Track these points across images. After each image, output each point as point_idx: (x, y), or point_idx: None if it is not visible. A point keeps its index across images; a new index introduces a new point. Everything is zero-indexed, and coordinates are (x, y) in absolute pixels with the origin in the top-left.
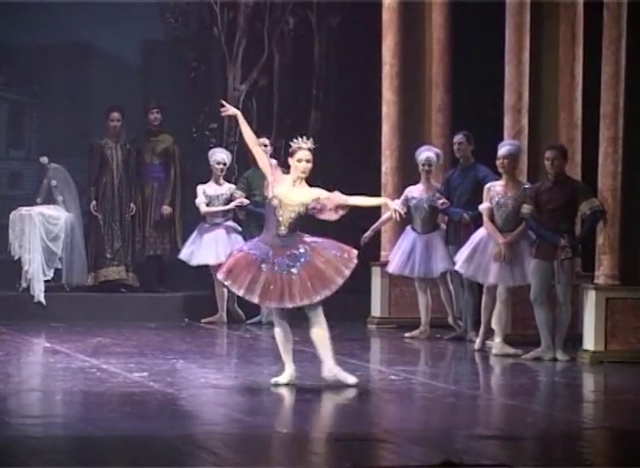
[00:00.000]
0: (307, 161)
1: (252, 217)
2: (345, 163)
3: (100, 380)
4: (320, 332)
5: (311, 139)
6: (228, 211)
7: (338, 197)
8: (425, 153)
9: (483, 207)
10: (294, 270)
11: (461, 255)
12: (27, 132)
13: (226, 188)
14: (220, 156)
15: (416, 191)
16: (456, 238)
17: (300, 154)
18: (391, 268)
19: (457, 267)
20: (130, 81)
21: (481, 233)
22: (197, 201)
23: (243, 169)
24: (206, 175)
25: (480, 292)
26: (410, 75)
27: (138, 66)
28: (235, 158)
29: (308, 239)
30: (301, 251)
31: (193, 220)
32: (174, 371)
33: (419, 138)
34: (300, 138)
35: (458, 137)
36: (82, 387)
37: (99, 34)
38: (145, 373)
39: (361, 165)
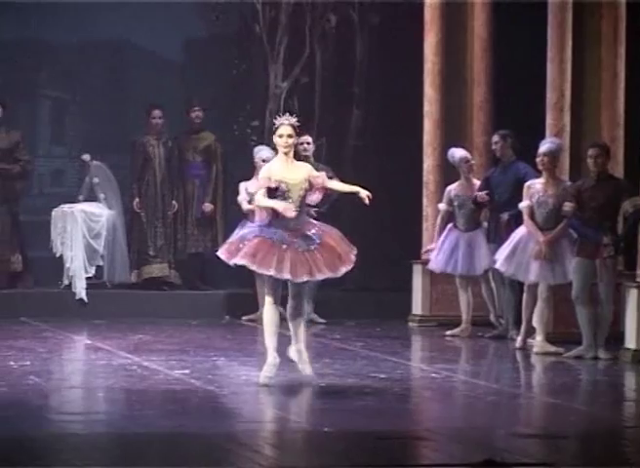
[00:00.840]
0: (289, 136)
1: None
2: (387, 161)
3: (141, 378)
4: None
5: (294, 115)
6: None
7: (323, 177)
8: (459, 153)
9: (523, 205)
10: (312, 247)
11: (502, 254)
12: (69, 129)
13: None
14: (265, 154)
15: (457, 189)
16: (497, 236)
17: (281, 130)
18: (433, 266)
19: (497, 266)
20: (171, 79)
21: (521, 231)
22: (239, 198)
23: None
24: (247, 173)
25: (521, 291)
26: (452, 73)
27: (179, 64)
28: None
29: (314, 221)
30: (313, 231)
31: (235, 218)
32: (215, 369)
33: (460, 136)
34: (282, 115)
35: (494, 137)
36: (123, 384)
37: (140, 32)
38: (187, 371)
39: (402, 163)
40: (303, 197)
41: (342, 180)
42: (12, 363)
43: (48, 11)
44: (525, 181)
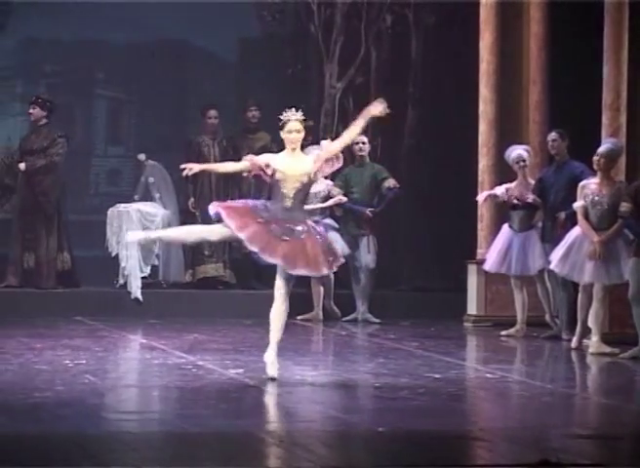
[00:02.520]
0: (297, 131)
1: (349, 215)
2: (442, 161)
3: (195, 377)
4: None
5: (300, 111)
6: (326, 208)
7: (327, 145)
8: (516, 151)
9: (577, 205)
10: (285, 238)
11: (557, 254)
12: (125, 129)
13: (324, 185)
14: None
15: (512, 189)
16: (552, 235)
17: (289, 126)
18: (488, 266)
19: (552, 266)
20: (226, 79)
21: (576, 232)
22: None
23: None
24: None
25: (575, 291)
26: (507, 73)
27: (234, 64)
28: None
29: (310, 222)
30: (299, 228)
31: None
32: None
33: (515, 136)
34: (289, 111)
35: (551, 135)
36: (178, 383)
37: (196, 32)
38: (241, 370)
39: (457, 163)
40: (300, 191)
41: (397, 179)
42: (67, 362)
43: (105, 11)
44: (581, 179)
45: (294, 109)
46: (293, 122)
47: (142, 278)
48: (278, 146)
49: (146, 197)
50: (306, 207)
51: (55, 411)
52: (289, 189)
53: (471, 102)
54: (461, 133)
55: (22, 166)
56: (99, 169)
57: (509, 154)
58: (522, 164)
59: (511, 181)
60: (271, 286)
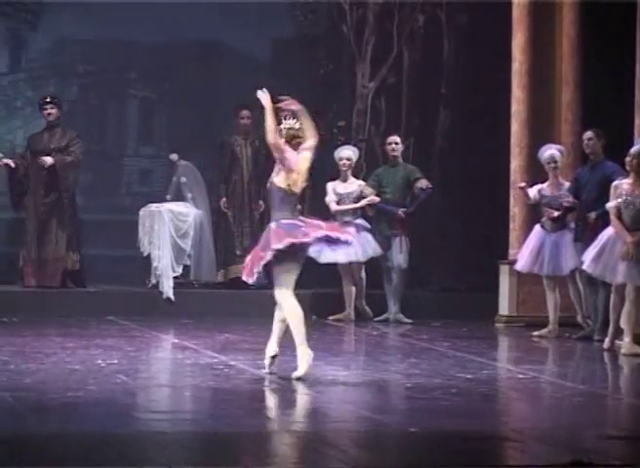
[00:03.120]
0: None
1: (382, 215)
2: (474, 161)
3: (227, 377)
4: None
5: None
6: (358, 208)
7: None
8: (548, 151)
9: (610, 205)
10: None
11: (589, 254)
12: (157, 129)
13: (356, 186)
14: (345, 153)
15: (546, 189)
16: (583, 235)
17: (287, 123)
18: (520, 266)
19: (584, 266)
20: (258, 79)
21: (608, 232)
22: (327, 199)
23: (371, 166)
24: (334, 173)
25: (607, 291)
26: (539, 73)
27: (266, 64)
28: (363, 155)
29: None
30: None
31: (323, 218)
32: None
33: (548, 136)
34: (286, 120)
35: (587, 134)
36: (210, 383)
37: (229, 32)
38: (274, 370)
39: (490, 163)
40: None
41: (429, 179)
42: (100, 361)
43: (138, 11)
44: (612, 180)
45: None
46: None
47: (174, 278)
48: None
49: (178, 197)
50: (339, 207)
51: (87, 411)
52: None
53: (503, 102)
54: (494, 133)
55: (50, 160)
56: (130, 169)
57: (542, 153)
58: (553, 165)
59: (543, 182)
60: (303, 285)
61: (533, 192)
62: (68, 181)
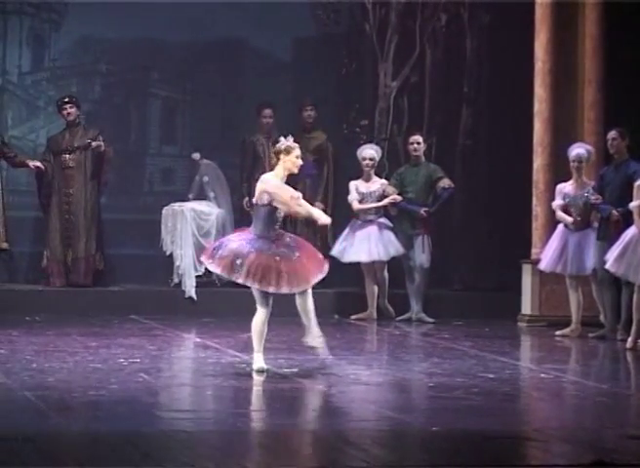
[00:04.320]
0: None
1: (404, 214)
2: (497, 160)
3: (249, 376)
4: (311, 304)
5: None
6: (380, 207)
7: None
8: (576, 150)
9: (634, 205)
10: (297, 254)
11: (612, 254)
12: (180, 128)
13: (378, 185)
14: (367, 152)
15: (569, 188)
16: (606, 234)
17: (297, 151)
18: (543, 265)
19: (607, 266)
20: (281, 78)
21: (632, 231)
22: (350, 198)
23: (393, 165)
24: (356, 172)
25: (630, 290)
26: (562, 72)
27: (289, 63)
28: (386, 154)
29: (282, 231)
30: (287, 239)
31: (345, 217)
32: (323, 368)
33: (570, 135)
34: (284, 138)
35: (611, 133)
36: (232, 382)
37: (251, 32)
38: (295, 369)
39: (512, 162)
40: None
41: (451, 178)
42: (122, 360)
43: (160, 10)
44: (635, 180)
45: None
46: (298, 149)
47: (197, 277)
48: (334, 146)
49: (201, 196)
50: (361, 206)
51: (109, 410)
52: (282, 215)
53: (526, 102)
54: (516, 132)
55: (100, 143)
56: (153, 168)
57: (570, 151)
58: (577, 164)
59: (566, 180)
60: (325, 285)
61: (557, 203)
62: (108, 172)
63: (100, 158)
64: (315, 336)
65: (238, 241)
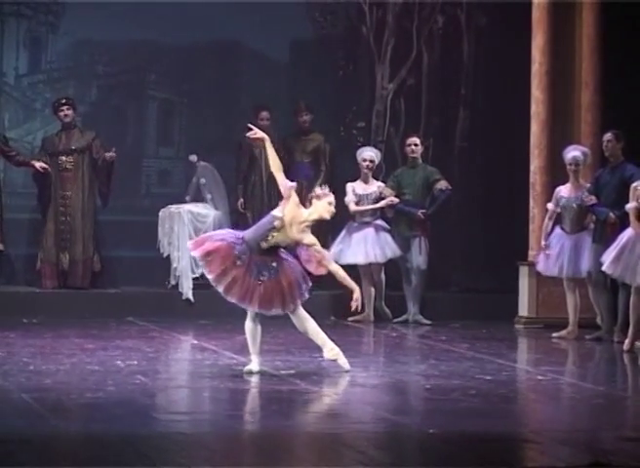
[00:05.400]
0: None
1: (401, 216)
2: (493, 162)
3: (246, 378)
4: (310, 326)
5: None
6: (377, 209)
7: (326, 255)
8: (572, 152)
9: (630, 206)
10: (262, 278)
11: (609, 256)
12: (176, 130)
13: (375, 187)
14: (367, 153)
15: (564, 191)
16: (602, 237)
17: (331, 198)
18: (540, 268)
19: (604, 268)
20: (278, 80)
21: (628, 233)
22: (346, 199)
23: (391, 167)
24: (353, 174)
25: (627, 292)
26: (559, 74)
27: (286, 65)
28: (383, 157)
29: (283, 255)
30: (274, 265)
31: (342, 219)
32: (320, 370)
33: (567, 137)
34: (320, 187)
35: (607, 136)
36: (229, 384)
37: (248, 33)
38: (292, 371)
39: (509, 164)
40: (282, 246)
41: (449, 180)
42: (119, 362)
43: (157, 12)
44: (631, 182)
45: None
46: (331, 196)
47: (194, 279)
48: (331, 147)
49: (198, 198)
50: (358, 208)
51: (106, 412)
52: (274, 240)
53: (523, 104)
54: (513, 134)
55: (112, 154)
56: (149, 170)
57: (566, 154)
58: (574, 167)
59: (564, 183)
60: (322, 286)
61: (551, 206)
62: (112, 178)
63: (109, 168)
64: (329, 350)
65: (230, 236)
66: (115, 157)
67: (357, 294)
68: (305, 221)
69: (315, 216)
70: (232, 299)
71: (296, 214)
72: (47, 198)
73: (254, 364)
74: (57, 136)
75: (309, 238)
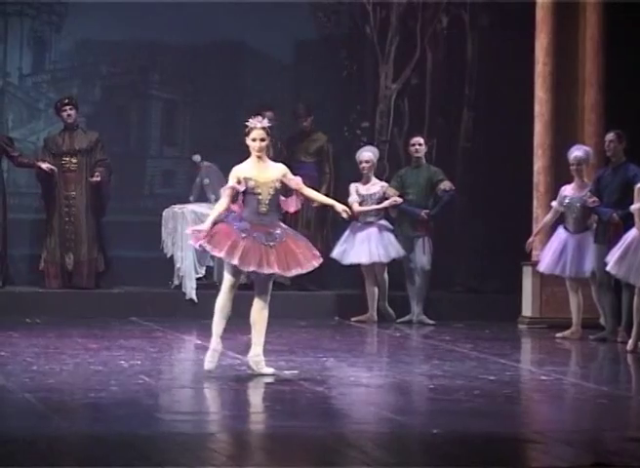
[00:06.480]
0: (262, 140)
1: (404, 216)
2: (497, 162)
3: (249, 378)
4: (261, 315)
5: (266, 119)
6: (381, 209)
7: (298, 180)
8: (575, 152)
9: (634, 207)
10: (271, 243)
11: (613, 256)
12: (180, 130)
13: (379, 187)
14: (363, 155)
15: (569, 190)
16: (605, 237)
17: (254, 133)
18: (542, 267)
19: (608, 268)
20: (281, 80)
21: (632, 233)
22: (350, 200)
23: (394, 167)
24: (357, 174)
25: (631, 293)
26: (563, 74)
27: (290, 65)
28: (386, 157)
29: (284, 225)
30: (278, 232)
31: (345, 219)
32: (324, 370)
33: (571, 138)
34: (254, 118)
35: (609, 136)
36: (232, 384)
37: (251, 33)
38: (296, 371)
39: (513, 164)
40: (274, 196)
41: (452, 181)
42: (122, 362)
43: (161, 12)
44: (634, 183)
45: (259, 117)
46: (257, 130)
47: (197, 279)
48: (334, 147)
49: (201, 198)
50: (362, 208)
51: (109, 412)
52: (264, 195)
53: (527, 104)
54: (517, 134)
55: (98, 179)
56: (153, 170)
57: (569, 154)
58: (576, 167)
59: (568, 182)
60: (325, 287)
61: (554, 205)
62: (109, 191)
63: (99, 189)
64: (252, 355)
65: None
66: (99, 181)
67: (339, 207)
68: (256, 162)
69: (253, 157)
70: (250, 268)
71: (250, 168)
72: (51, 198)
73: (217, 345)
74: (60, 137)
75: (278, 169)
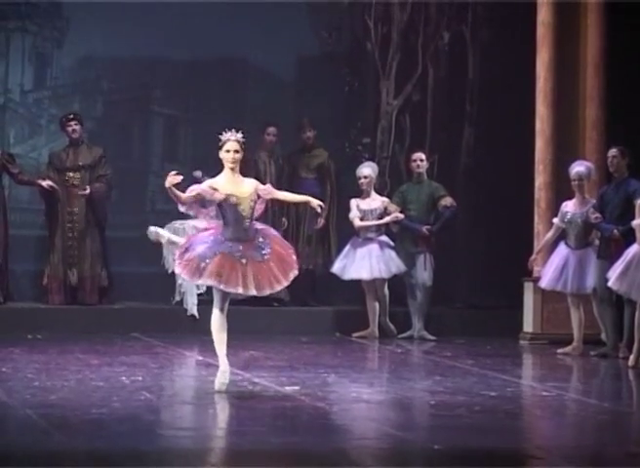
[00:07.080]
0: (235, 151)
1: (406, 232)
2: (498, 178)
3: (251, 394)
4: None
5: (240, 132)
6: (382, 225)
7: (269, 188)
8: (576, 168)
9: (636, 223)
10: (266, 257)
11: (614, 272)
12: (182, 146)
13: (379, 202)
14: (362, 171)
15: (570, 206)
16: (607, 253)
17: (228, 145)
18: (544, 283)
19: (609, 284)
20: (284, 96)
21: (634, 249)
22: (351, 215)
23: (395, 183)
24: (358, 190)
25: (632, 309)
26: (564, 90)
27: (291, 82)
28: (388, 172)
29: (258, 226)
30: (260, 240)
31: (346, 234)
32: (325, 386)
33: (572, 153)
34: (229, 131)
35: (611, 151)
36: (233, 400)
37: (253, 50)
38: (297, 387)
39: (514, 180)
40: (253, 209)
41: (453, 196)
42: (124, 378)
43: (163, 29)
44: (634, 198)
45: (234, 130)
46: (231, 142)
47: (198, 295)
48: (335, 163)
49: None
50: (363, 223)
51: (111, 428)
52: (247, 211)
53: (528, 120)
54: (518, 150)
55: (87, 191)
56: (155, 186)
57: (570, 170)
58: (577, 182)
59: (569, 198)
60: (326, 302)
61: (555, 222)
62: (105, 208)
63: (93, 201)
64: (221, 371)
65: (203, 242)
66: (87, 194)
67: (314, 202)
68: (231, 175)
69: (226, 170)
70: (266, 293)
71: (225, 182)
72: (54, 214)
73: (225, 366)
74: (64, 152)
75: (250, 183)
